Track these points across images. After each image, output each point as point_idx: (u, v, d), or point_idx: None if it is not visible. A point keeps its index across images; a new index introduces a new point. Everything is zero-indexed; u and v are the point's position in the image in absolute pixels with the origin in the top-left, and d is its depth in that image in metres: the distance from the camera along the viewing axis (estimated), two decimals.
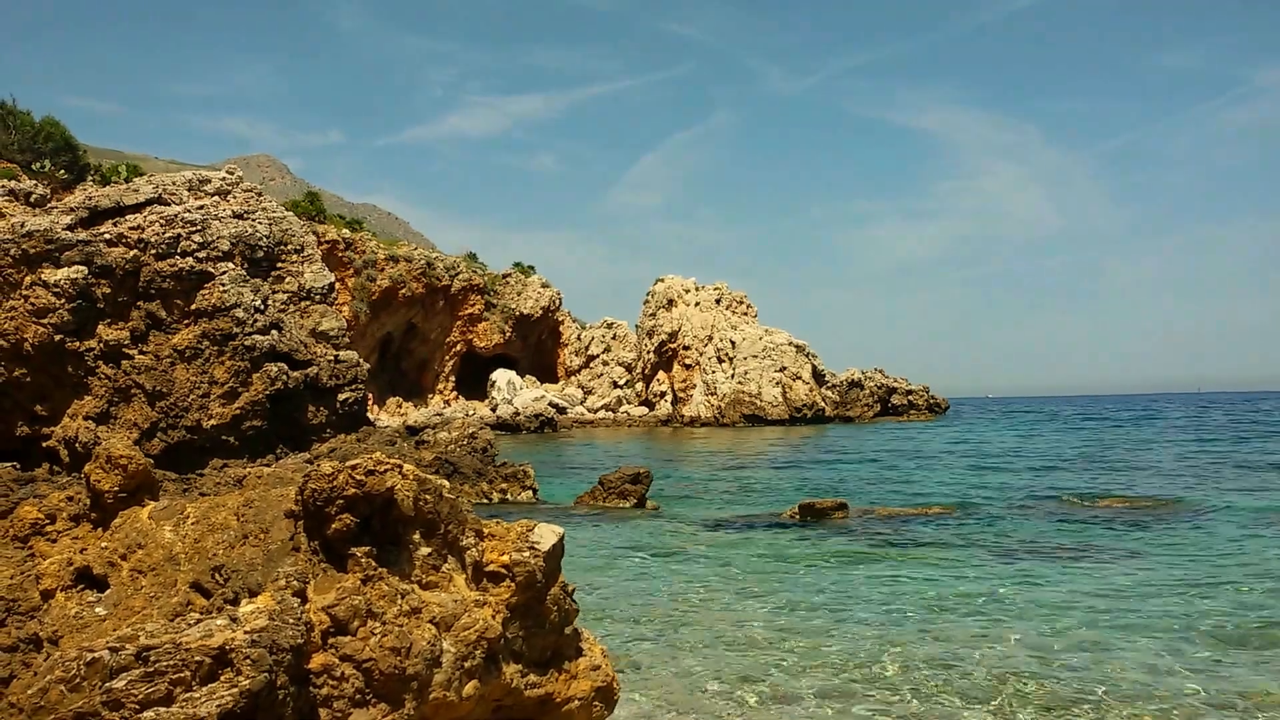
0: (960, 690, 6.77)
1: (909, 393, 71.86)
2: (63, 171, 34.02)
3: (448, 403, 64.07)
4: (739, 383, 62.42)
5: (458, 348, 67.34)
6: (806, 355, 64.30)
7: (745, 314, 68.65)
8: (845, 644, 8.04)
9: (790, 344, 63.96)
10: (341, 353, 11.83)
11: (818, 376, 64.76)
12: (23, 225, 11.17)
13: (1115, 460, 28.23)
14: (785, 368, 62.58)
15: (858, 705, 6.49)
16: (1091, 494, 19.10)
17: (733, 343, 64.55)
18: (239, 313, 11.02)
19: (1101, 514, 16.06)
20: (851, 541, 13.53)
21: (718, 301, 68.57)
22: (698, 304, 68.12)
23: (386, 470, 3.94)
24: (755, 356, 63.08)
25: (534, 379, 68.64)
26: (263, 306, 11.32)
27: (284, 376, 11.06)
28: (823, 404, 62.78)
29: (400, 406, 60.69)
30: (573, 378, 72.32)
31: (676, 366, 66.88)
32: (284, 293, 11.82)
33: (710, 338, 65.78)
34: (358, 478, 3.87)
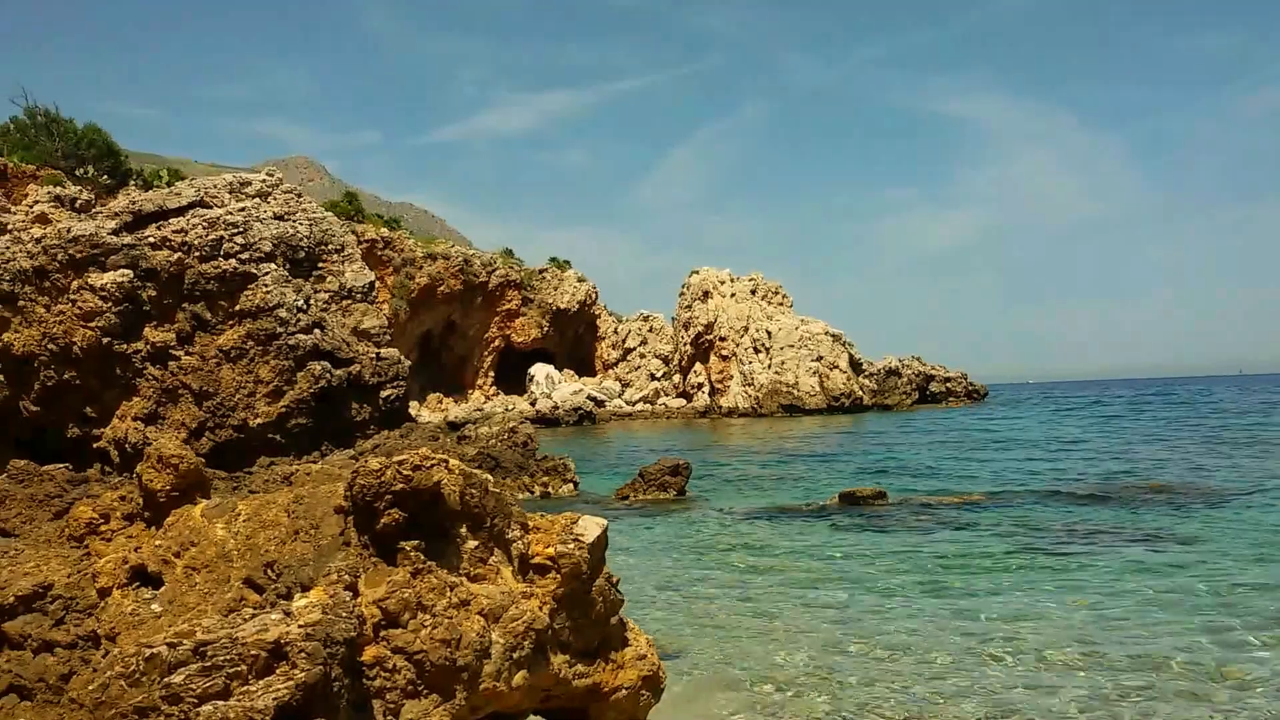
0: (1006, 675, 6.76)
1: (947, 380, 71.33)
2: (105, 177, 34.49)
3: (487, 398, 64.38)
4: (776, 373, 62.23)
5: (496, 343, 67.64)
6: (843, 344, 64.02)
7: (781, 304, 68.41)
8: (889, 631, 8.04)
9: (826, 333, 63.68)
10: (383, 350, 11.94)
11: (855, 365, 64.44)
12: (69, 230, 11.36)
13: (1157, 444, 27.91)
14: (822, 357, 62.32)
15: (903, 692, 6.49)
16: (1134, 478, 18.91)
17: (769, 333, 64.34)
18: (282, 313, 11.16)
19: (1145, 499, 15.89)
20: (892, 529, 13.49)
21: (753, 292, 68.36)
22: (733, 295, 67.95)
23: (433, 465, 4.00)
24: (792, 346, 62.86)
25: (572, 373, 68.79)
26: (305, 306, 11.44)
27: (327, 375, 11.19)
28: (860, 393, 62.48)
29: (441, 402, 61.06)
30: (610, 371, 72.41)
31: (713, 358, 66.77)
32: (325, 292, 11.94)
33: (746, 328, 65.60)
34: (405, 473, 3.93)
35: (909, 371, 69.04)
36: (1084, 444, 29.15)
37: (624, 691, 4.65)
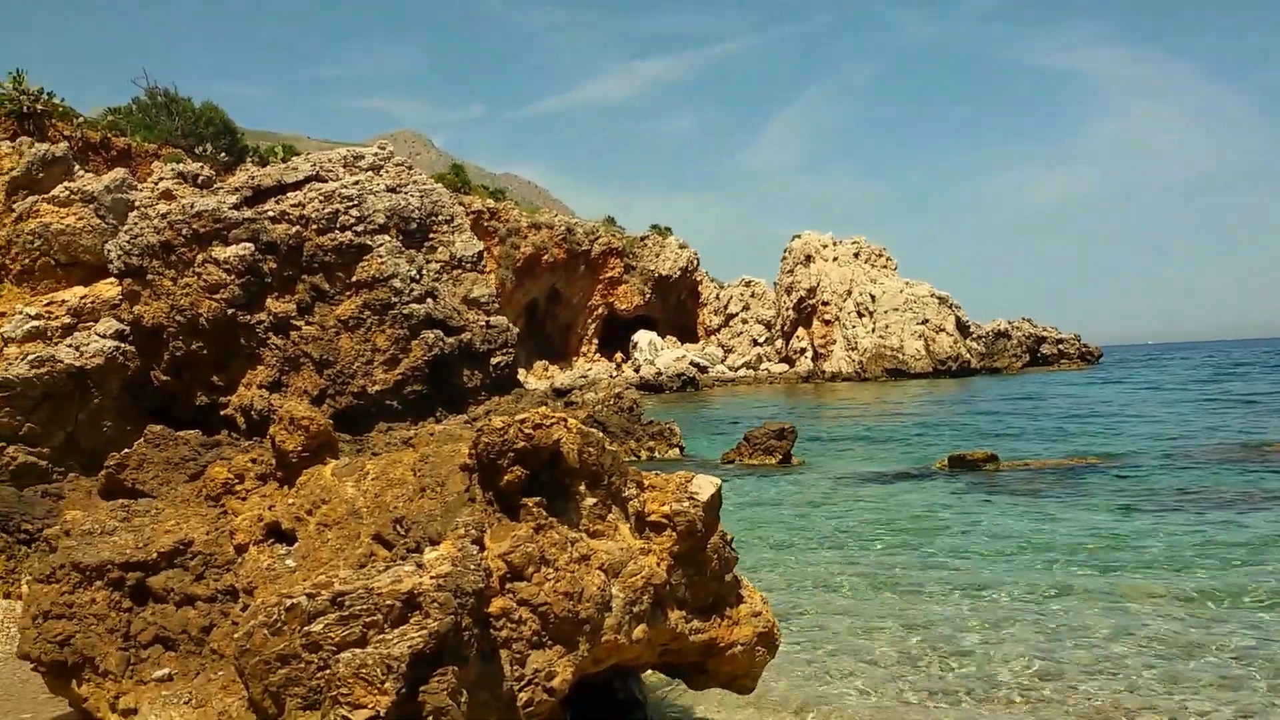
0: (1131, 646, 6.67)
1: (1059, 342, 69.56)
2: (223, 154, 35.59)
3: (591, 365, 64.90)
4: (880, 337, 61.46)
5: (599, 310, 68.06)
6: (950, 307, 62.82)
7: (885, 267, 67.39)
8: (1003, 594, 7.98)
9: (932, 295, 62.56)
10: (492, 318, 12.18)
11: (962, 328, 63.22)
12: (192, 206, 11.80)
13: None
14: (928, 320, 61.29)
15: (1020, 656, 6.45)
16: (1261, 440, 18.25)
17: (873, 296, 63.50)
18: (396, 283, 11.45)
19: (1274, 461, 15.35)
20: (1005, 493, 13.30)
21: (856, 255, 67.46)
22: (836, 259, 67.16)
23: (553, 424, 4.12)
24: (896, 309, 61.96)
25: (674, 339, 68.88)
26: (418, 276, 11.73)
27: (440, 343, 11.47)
28: (968, 356, 61.32)
29: (547, 369, 61.79)
30: (712, 337, 72.31)
31: (816, 322, 66.19)
32: (437, 262, 12.21)
33: (849, 292, 64.84)
34: (527, 431, 4.06)
35: (1019, 334, 67.52)
36: (1206, 405, 28.20)
37: (739, 647, 4.74)
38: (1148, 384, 42.35)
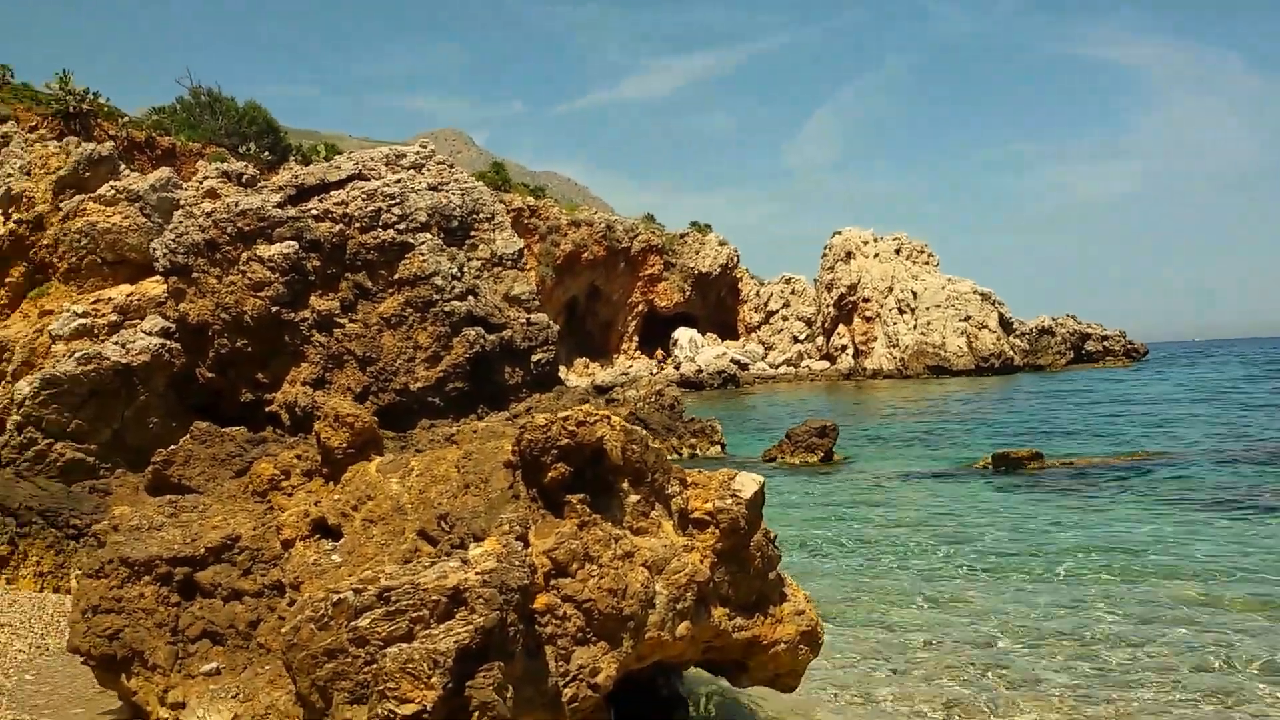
0: (1166, 646, 6.57)
1: (1104, 338, 68.63)
2: (266, 153, 35.96)
3: (632, 362, 64.91)
4: (921, 334, 60.98)
5: (639, 308, 68.01)
6: (992, 303, 62.20)
7: (927, 263, 66.82)
8: (1046, 593, 7.89)
9: (975, 292, 61.95)
10: (533, 316, 12.18)
11: (1005, 325, 62.57)
12: (237, 204, 11.91)
13: None
14: (970, 317, 60.72)
15: (1066, 664, 6.37)
16: None
17: (914, 293, 63.00)
18: (438, 280, 11.50)
19: None
20: (1050, 491, 13.15)
21: (897, 252, 66.93)
22: (876, 255, 66.68)
23: (596, 421, 4.12)
24: (938, 306, 61.43)
25: (715, 336, 68.72)
26: (459, 274, 11.76)
27: (481, 340, 11.50)
28: (1011, 353, 60.70)
29: (587, 367, 61.89)
30: (753, 334, 72.03)
31: (857, 319, 65.76)
32: (478, 260, 12.25)
33: (890, 289, 64.36)
34: (570, 428, 4.06)
35: (1063, 330, 66.73)
36: (1249, 403, 27.70)
37: (782, 645, 4.72)
38: (1194, 381, 41.68)
